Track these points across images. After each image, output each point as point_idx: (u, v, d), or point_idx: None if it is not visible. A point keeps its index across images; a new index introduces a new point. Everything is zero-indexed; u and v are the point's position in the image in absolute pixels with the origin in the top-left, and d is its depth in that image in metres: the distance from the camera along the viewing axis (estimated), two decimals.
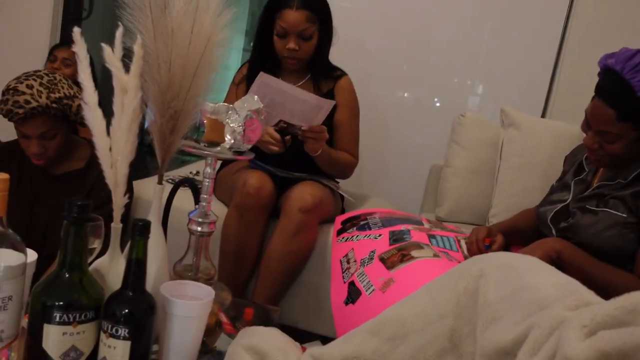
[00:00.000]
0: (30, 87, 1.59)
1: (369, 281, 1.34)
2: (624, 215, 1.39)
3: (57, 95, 1.62)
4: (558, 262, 1.38)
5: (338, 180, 2.18)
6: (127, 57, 1.06)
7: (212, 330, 1.21)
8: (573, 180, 1.59)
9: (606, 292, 1.31)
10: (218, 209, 1.92)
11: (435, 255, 1.36)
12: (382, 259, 1.38)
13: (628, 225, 1.38)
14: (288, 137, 1.87)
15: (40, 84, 1.61)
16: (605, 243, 1.39)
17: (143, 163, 4.00)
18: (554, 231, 1.53)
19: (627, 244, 1.38)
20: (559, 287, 0.95)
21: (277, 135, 1.84)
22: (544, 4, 2.68)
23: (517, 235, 1.66)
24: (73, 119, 1.68)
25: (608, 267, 1.36)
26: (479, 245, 1.53)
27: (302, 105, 1.79)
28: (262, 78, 1.75)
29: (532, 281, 0.96)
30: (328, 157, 1.96)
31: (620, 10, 2.64)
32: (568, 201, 1.54)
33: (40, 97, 1.59)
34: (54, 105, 1.61)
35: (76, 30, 1.03)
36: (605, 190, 1.47)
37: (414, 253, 1.36)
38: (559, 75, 2.72)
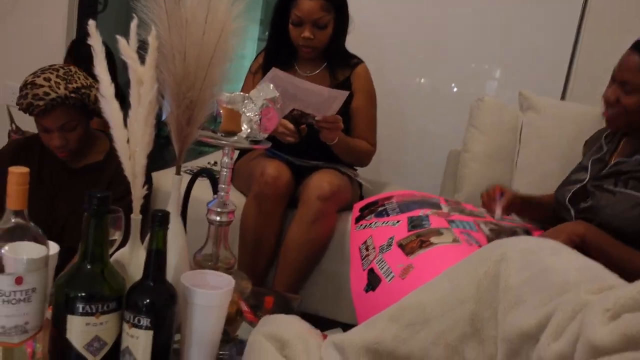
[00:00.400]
0: (47, 79, 1.61)
1: (389, 268, 1.34)
2: None
3: (75, 85, 1.64)
4: (582, 246, 1.37)
5: (356, 167, 2.17)
6: (142, 48, 1.06)
7: (233, 319, 1.22)
8: (591, 159, 1.58)
9: (631, 275, 1.30)
10: (236, 199, 1.93)
11: (454, 241, 1.35)
12: (400, 245, 1.38)
13: None
14: (303, 127, 1.87)
15: (57, 76, 1.63)
16: (625, 224, 1.37)
17: (161, 154, 4.01)
18: (572, 212, 1.51)
19: None
20: (581, 270, 0.94)
21: (291, 126, 1.84)
22: None
23: (538, 208, 1.66)
24: (92, 109, 1.69)
25: (633, 250, 1.34)
26: (490, 194, 1.55)
27: (316, 97, 1.79)
28: (274, 72, 1.75)
29: (554, 265, 0.95)
30: (345, 145, 1.95)
31: None
32: (586, 181, 1.53)
33: (59, 88, 1.61)
34: (73, 95, 1.63)
35: (91, 23, 1.03)
36: (623, 167, 1.45)
37: (433, 239, 1.35)
38: (578, 57, 2.68)
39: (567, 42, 2.68)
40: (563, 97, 2.73)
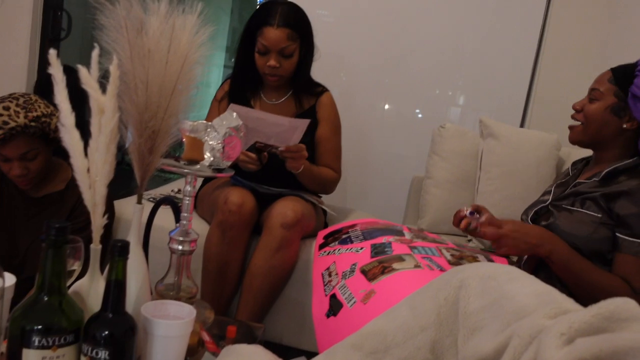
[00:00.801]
0: (7, 108, 1.58)
1: (350, 293, 1.35)
2: (598, 215, 1.42)
3: (35, 114, 1.62)
4: (548, 262, 1.40)
5: (321, 195, 2.18)
6: (105, 77, 1.06)
7: (194, 350, 1.21)
8: (556, 183, 1.63)
9: (592, 292, 1.34)
10: (200, 227, 1.92)
11: (416, 266, 1.36)
12: (363, 271, 1.39)
13: (603, 226, 1.41)
14: (265, 154, 1.88)
15: (17, 105, 1.60)
16: (580, 242, 1.41)
17: (127, 182, 3.98)
18: None
19: (603, 245, 1.41)
20: (538, 296, 0.96)
21: (253, 155, 1.85)
22: (520, 20, 2.75)
23: None
24: (53, 137, 1.67)
25: (595, 268, 1.38)
26: (461, 213, 1.55)
27: (277, 128, 1.80)
28: (232, 108, 1.75)
29: (511, 291, 0.97)
30: (310, 174, 1.96)
31: (592, 27, 2.70)
32: (548, 202, 1.58)
33: (18, 117, 1.58)
34: (32, 123, 1.60)
35: (52, 52, 1.03)
36: (580, 188, 1.51)
37: (395, 265, 1.36)
38: (536, 86, 2.77)
39: (525, 72, 2.77)
40: (522, 124, 2.81)
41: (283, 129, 1.80)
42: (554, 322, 0.86)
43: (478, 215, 1.52)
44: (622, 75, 1.46)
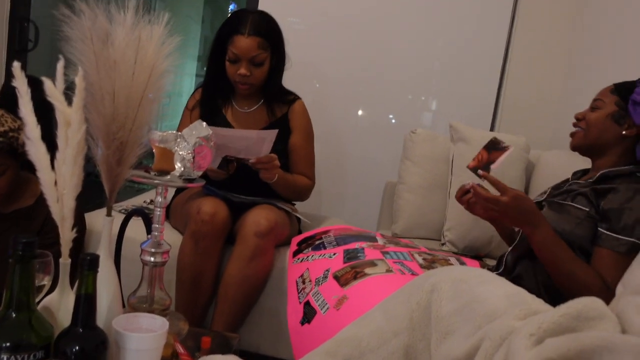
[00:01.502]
0: None
1: (324, 300, 1.35)
2: (586, 209, 1.45)
3: (2, 129, 1.59)
4: (529, 241, 1.42)
5: (294, 202, 2.18)
6: (71, 89, 1.05)
7: None
8: (553, 185, 1.69)
9: (567, 283, 1.35)
10: (173, 237, 1.91)
11: (388, 271, 1.37)
12: (336, 277, 1.39)
13: (588, 220, 1.44)
14: (233, 164, 1.87)
15: None
16: (565, 236, 1.43)
17: (98, 194, 3.93)
18: None
19: (586, 240, 1.43)
20: (509, 298, 0.97)
21: (220, 171, 1.86)
22: (488, 27, 2.80)
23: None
24: (21, 152, 1.64)
25: (574, 259, 1.39)
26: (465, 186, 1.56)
27: (244, 141, 1.81)
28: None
29: (483, 294, 0.98)
30: (284, 182, 1.97)
31: (558, 33, 2.77)
32: (542, 199, 1.62)
33: None
34: (0, 139, 1.58)
35: (16, 65, 1.01)
36: (574, 186, 1.55)
37: (367, 270, 1.37)
38: (504, 91, 2.82)
39: (494, 77, 2.82)
40: (492, 128, 2.85)
41: (251, 142, 1.80)
42: (523, 323, 0.87)
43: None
44: (623, 87, 1.54)
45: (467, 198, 1.57)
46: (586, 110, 1.60)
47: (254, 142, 1.80)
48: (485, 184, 1.47)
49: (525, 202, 1.40)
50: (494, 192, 1.43)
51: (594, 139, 1.56)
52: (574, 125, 1.63)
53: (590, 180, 1.52)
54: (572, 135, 1.62)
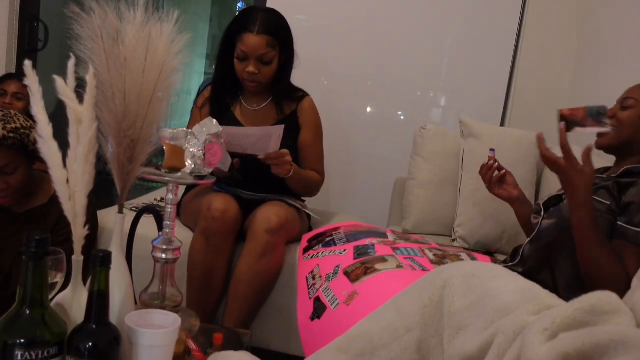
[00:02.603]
0: None
1: (334, 295, 1.35)
2: (607, 202, 1.42)
3: (13, 125, 1.60)
4: (572, 215, 1.36)
5: (304, 199, 2.19)
6: (82, 87, 1.06)
7: (181, 359, 1.20)
8: None
9: (594, 267, 1.31)
10: (184, 234, 1.91)
11: (398, 267, 1.37)
12: (346, 273, 1.39)
13: (608, 214, 1.41)
14: (237, 160, 1.87)
15: None
16: None
17: (109, 192, 3.95)
18: (542, 213, 1.57)
19: (603, 232, 1.40)
20: (521, 292, 0.97)
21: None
22: (498, 21, 2.79)
23: (525, 205, 1.75)
24: (32, 150, 1.65)
25: (607, 245, 1.34)
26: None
27: (249, 139, 1.81)
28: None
29: (495, 289, 0.98)
30: (298, 177, 1.97)
31: (568, 26, 2.75)
32: (563, 192, 1.58)
33: None
34: (11, 135, 1.59)
35: (27, 63, 1.02)
36: (597, 180, 1.51)
37: (377, 266, 1.37)
38: (514, 86, 2.80)
39: (504, 71, 2.80)
40: (502, 124, 2.83)
41: (255, 139, 1.80)
42: (537, 318, 0.87)
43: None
44: None
45: (490, 176, 1.55)
46: (616, 108, 1.55)
47: (258, 138, 1.80)
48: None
49: (583, 171, 1.34)
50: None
51: (627, 138, 1.51)
52: None
53: (614, 175, 1.50)
54: (600, 135, 1.55)
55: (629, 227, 1.37)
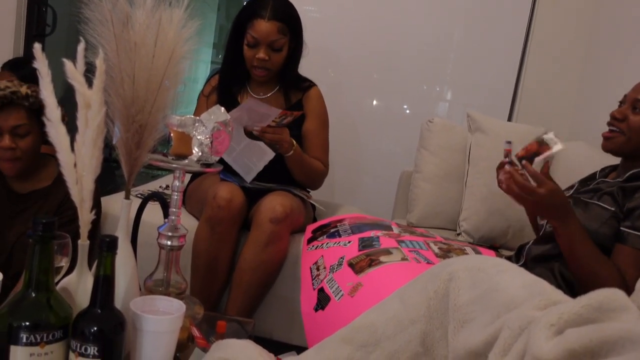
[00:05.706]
0: (9, 82, 1.62)
1: (338, 286, 1.35)
2: (612, 209, 1.41)
3: (36, 89, 1.62)
4: (554, 233, 1.36)
5: (309, 190, 2.18)
6: (91, 72, 1.05)
7: (184, 345, 1.20)
8: (580, 181, 1.63)
9: (589, 280, 1.31)
10: (189, 222, 1.91)
11: (403, 259, 1.36)
12: (350, 265, 1.39)
13: (612, 220, 1.39)
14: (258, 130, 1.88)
15: (19, 83, 1.63)
16: (589, 232, 1.39)
17: (112, 179, 3.95)
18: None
19: (609, 240, 1.39)
20: (527, 287, 0.96)
21: None
22: (507, 14, 2.76)
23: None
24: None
25: (600, 258, 1.34)
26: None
27: (243, 114, 1.81)
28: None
29: (501, 283, 0.97)
30: (300, 159, 1.96)
31: (578, 20, 2.73)
32: (569, 194, 1.57)
33: (21, 86, 1.61)
34: (34, 94, 1.60)
35: (37, 47, 1.01)
36: (602, 185, 1.50)
37: (382, 258, 1.37)
38: (523, 80, 2.79)
39: (512, 67, 2.79)
40: (510, 118, 2.82)
41: (244, 118, 1.81)
42: (543, 313, 0.86)
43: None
44: None
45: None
46: (626, 110, 1.48)
47: (245, 111, 1.81)
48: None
49: (559, 197, 1.34)
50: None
51: (638, 143, 1.46)
52: (611, 124, 1.50)
53: (619, 180, 1.48)
54: (608, 138, 1.50)
55: (630, 231, 1.36)
